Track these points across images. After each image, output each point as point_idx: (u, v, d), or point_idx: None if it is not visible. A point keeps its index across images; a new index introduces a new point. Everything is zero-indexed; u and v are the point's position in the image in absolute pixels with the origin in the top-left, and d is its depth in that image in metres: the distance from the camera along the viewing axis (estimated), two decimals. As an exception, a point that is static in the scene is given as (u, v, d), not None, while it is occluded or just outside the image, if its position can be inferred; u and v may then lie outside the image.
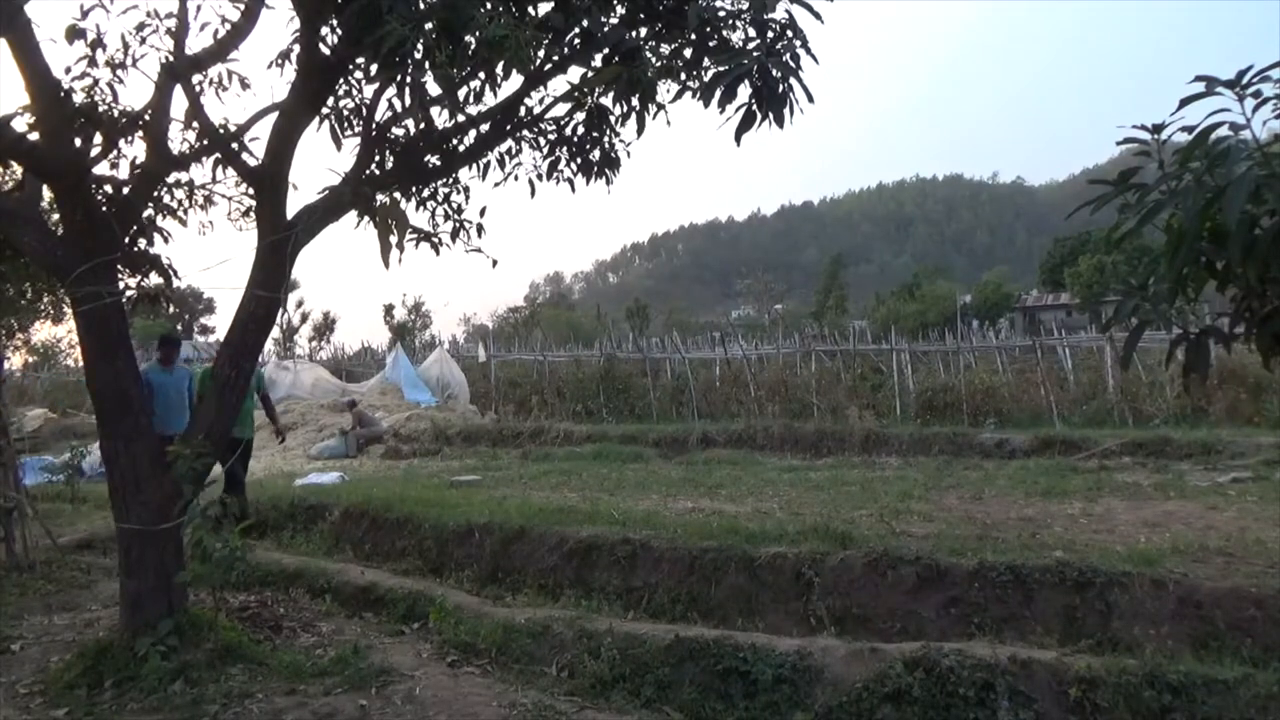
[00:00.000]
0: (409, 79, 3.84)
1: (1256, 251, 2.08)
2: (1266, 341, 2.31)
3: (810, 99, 4.14)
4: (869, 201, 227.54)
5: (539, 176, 5.70)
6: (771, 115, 4.07)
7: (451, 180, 5.85)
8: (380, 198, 5.11)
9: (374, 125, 5.07)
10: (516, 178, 5.82)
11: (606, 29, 4.36)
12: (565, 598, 6.07)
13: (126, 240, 5.21)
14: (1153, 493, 8.09)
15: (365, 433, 15.87)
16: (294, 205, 5.10)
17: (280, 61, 5.17)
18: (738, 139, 4.13)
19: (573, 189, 5.72)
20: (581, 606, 5.80)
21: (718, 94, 3.99)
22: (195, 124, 5.29)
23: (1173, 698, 3.95)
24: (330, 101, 5.09)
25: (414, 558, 7.32)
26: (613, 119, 5.31)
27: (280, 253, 4.90)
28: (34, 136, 4.74)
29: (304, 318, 54.22)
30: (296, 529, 8.51)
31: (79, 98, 5.02)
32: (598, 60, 4.70)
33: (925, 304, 55.09)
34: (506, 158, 5.73)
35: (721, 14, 4.34)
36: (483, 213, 6.02)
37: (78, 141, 4.91)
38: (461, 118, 5.11)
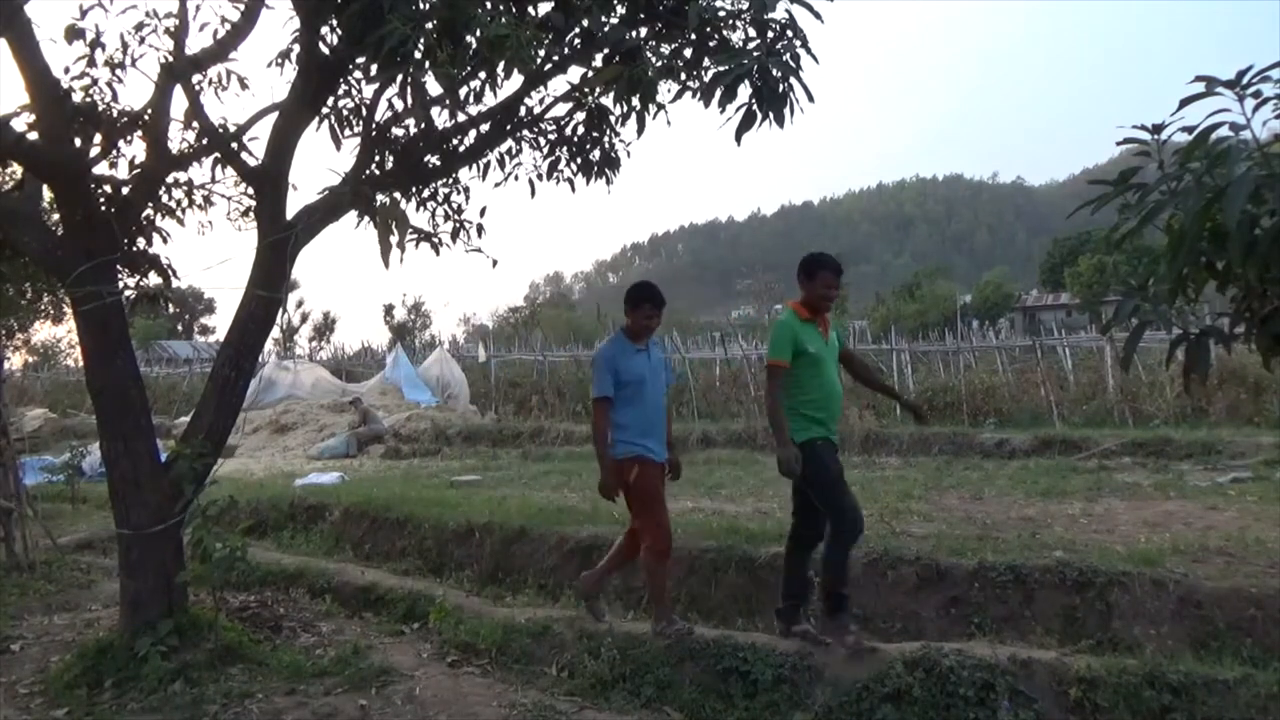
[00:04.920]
0: (409, 79, 3.84)
1: (1256, 251, 2.08)
2: (1266, 341, 2.31)
3: (810, 99, 4.15)
4: (869, 201, 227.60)
5: (539, 176, 5.71)
6: (771, 115, 4.07)
7: (451, 180, 5.86)
8: (380, 198, 5.11)
9: (374, 125, 5.07)
10: (516, 178, 5.83)
11: (606, 29, 4.36)
12: (565, 598, 6.06)
13: (126, 240, 5.21)
14: (1153, 493, 8.08)
15: (367, 431, 15.95)
16: (294, 205, 5.11)
17: (280, 61, 5.17)
18: (738, 139, 4.13)
19: (573, 189, 5.73)
20: (582, 606, 5.78)
21: (718, 94, 3.99)
22: (195, 124, 5.28)
23: (1173, 698, 3.94)
24: (330, 101, 5.09)
25: (414, 558, 7.31)
26: (613, 119, 5.33)
27: (280, 253, 4.90)
28: (34, 136, 4.73)
29: (304, 318, 54.43)
30: (296, 529, 8.51)
31: (78, 97, 5.01)
32: (598, 60, 4.71)
33: (925, 304, 55.02)
34: (506, 158, 5.74)
35: (721, 14, 4.34)
36: (483, 213, 6.03)
37: (77, 141, 4.91)
38: (461, 118, 5.12)
